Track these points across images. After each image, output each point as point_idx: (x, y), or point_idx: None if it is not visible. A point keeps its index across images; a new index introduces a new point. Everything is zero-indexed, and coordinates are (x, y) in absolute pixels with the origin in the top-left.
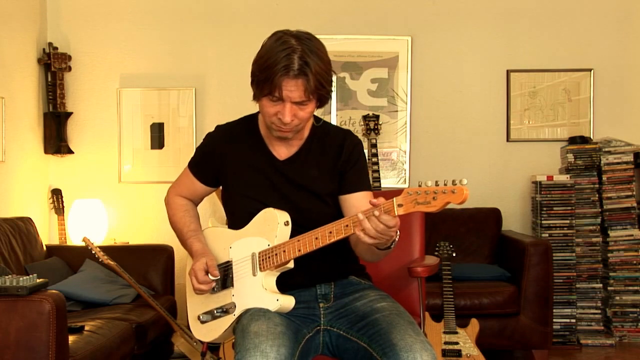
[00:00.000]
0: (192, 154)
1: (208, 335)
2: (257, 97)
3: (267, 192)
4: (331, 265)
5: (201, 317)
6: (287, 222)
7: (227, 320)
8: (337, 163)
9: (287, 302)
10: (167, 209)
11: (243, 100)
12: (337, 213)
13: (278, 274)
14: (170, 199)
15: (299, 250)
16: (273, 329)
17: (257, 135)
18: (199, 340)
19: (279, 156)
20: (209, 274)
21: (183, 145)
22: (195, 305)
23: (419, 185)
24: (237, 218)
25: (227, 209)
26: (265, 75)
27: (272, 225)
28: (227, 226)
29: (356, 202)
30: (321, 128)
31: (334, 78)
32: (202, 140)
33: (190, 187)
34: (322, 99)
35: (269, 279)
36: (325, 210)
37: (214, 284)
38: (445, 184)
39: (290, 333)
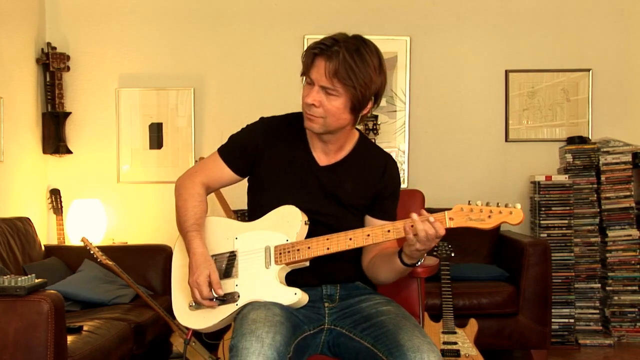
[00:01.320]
0: (190, 154)
1: (200, 322)
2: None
3: (297, 195)
4: (340, 268)
5: (193, 304)
6: (307, 222)
7: (227, 310)
8: (376, 184)
9: (304, 297)
10: (179, 190)
11: (242, 101)
12: (359, 225)
13: (289, 270)
14: (187, 183)
15: (328, 249)
16: (271, 318)
17: (302, 134)
18: (185, 327)
19: (319, 161)
20: (213, 291)
21: (182, 145)
22: (184, 291)
23: (469, 203)
24: (259, 212)
25: (251, 202)
26: (304, 56)
27: (292, 222)
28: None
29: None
30: (365, 145)
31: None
32: (240, 130)
33: (217, 173)
34: (355, 102)
35: (282, 273)
36: (349, 222)
37: (216, 304)
38: (497, 206)
39: (288, 325)
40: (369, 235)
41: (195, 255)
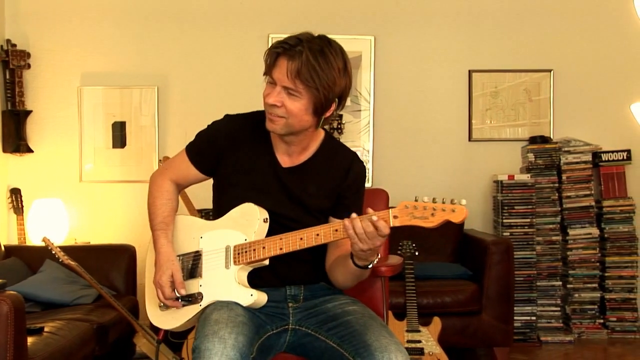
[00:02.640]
0: (153, 153)
1: (168, 323)
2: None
3: (259, 196)
4: (303, 269)
5: (162, 304)
6: (266, 219)
7: (192, 310)
8: (340, 185)
9: (261, 298)
10: (151, 187)
11: (206, 100)
12: None
13: (250, 269)
14: (158, 180)
15: (281, 249)
16: (234, 318)
17: (266, 135)
18: (156, 330)
19: (282, 163)
20: (175, 290)
21: (145, 145)
22: (155, 292)
23: (415, 200)
24: (221, 210)
25: (215, 201)
26: (267, 55)
27: (250, 220)
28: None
29: None
30: (329, 145)
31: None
32: (206, 127)
33: (184, 172)
34: (317, 104)
35: (242, 273)
36: (313, 223)
37: (180, 304)
38: (443, 202)
39: (251, 325)
40: (318, 234)
41: (159, 254)
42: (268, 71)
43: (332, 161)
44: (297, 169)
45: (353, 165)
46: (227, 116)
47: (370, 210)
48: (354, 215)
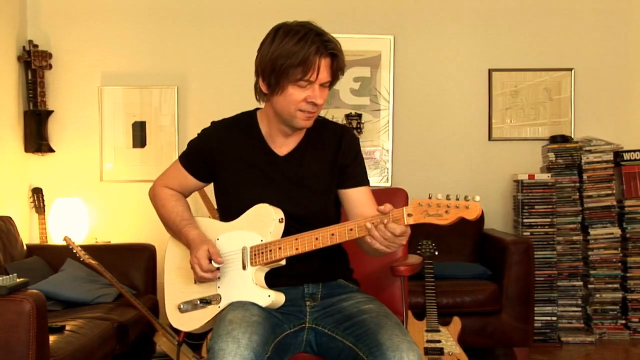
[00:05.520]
0: (173, 153)
1: (187, 324)
2: (277, 89)
3: (264, 188)
4: (321, 266)
5: (182, 307)
6: (282, 219)
7: (210, 312)
8: (336, 157)
9: (279, 298)
10: (154, 201)
11: (225, 99)
12: (337, 209)
13: (267, 270)
14: (158, 190)
15: (297, 249)
16: (248, 318)
17: (256, 131)
18: (176, 330)
19: (279, 152)
20: (213, 262)
21: (165, 144)
22: (175, 294)
23: (429, 197)
24: (231, 214)
25: (221, 205)
26: (296, 60)
27: (266, 221)
28: None
29: (357, 196)
30: (318, 122)
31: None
32: (196, 136)
33: (181, 181)
34: (331, 86)
35: (259, 274)
36: (326, 205)
37: (218, 273)
38: (457, 199)
39: (267, 324)
40: (333, 234)
41: (194, 240)
42: (311, 76)
43: (323, 135)
44: (294, 154)
45: (344, 133)
46: (213, 122)
47: (387, 206)
48: (368, 224)
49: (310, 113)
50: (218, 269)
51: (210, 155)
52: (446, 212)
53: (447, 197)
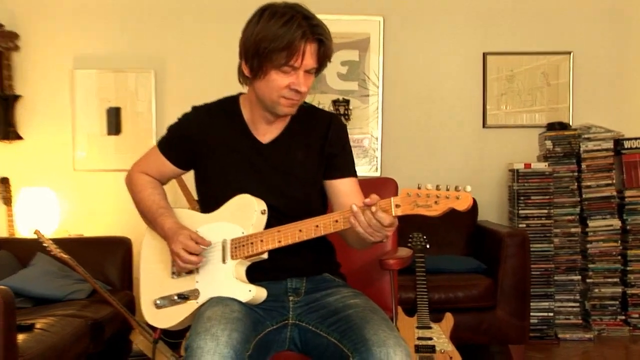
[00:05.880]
0: (150, 141)
1: (164, 321)
2: (259, 73)
3: (248, 177)
4: (305, 260)
5: (158, 302)
6: (264, 210)
7: (188, 307)
8: (323, 146)
9: (260, 293)
10: (130, 187)
11: (206, 83)
12: (324, 199)
13: (249, 263)
14: (135, 176)
15: (279, 242)
16: (228, 315)
17: (239, 117)
18: (152, 327)
19: (262, 139)
20: (200, 245)
21: (141, 131)
22: (151, 289)
23: (418, 187)
24: (212, 204)
25: (201, 194)
26: (280, 44)
27: (247, 213)
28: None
29: (344, 188)
30: (305, 109)
31: None
32: (176, 120)
33: (159, 168)
34: (317, 73)
35: (240, 268)
36: (312, 195)
37: (202, 259)
38: (447, 189)
39: (248, 321)
40: (317, 226)
41: (170, 229)
42: (295, 61)
43: (310, 123)
44: (278, 141)
45: (333, 120)
46: (194, 107)
47: (373, 197)
48: (354, 208)
49: (294, 100)
50: (200, 257)
51: (191, 141)
52: (436, 202)
53: (437, 188)
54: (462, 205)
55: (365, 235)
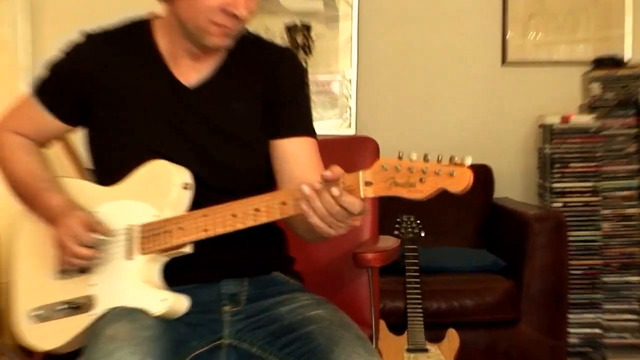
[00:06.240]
0: (20, 83)
1: (47, 340)
2: None
3: (164, 136)
4: (246, 253)
5: (36, 313)
6: (187, 184)
7: (79, 322)
8: (269, 92)
9: (179, 303)
10: None
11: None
12: (269, 166)
13: (166, 260)
14: (2, 137)
15: (205, 230)
16: (137, 333)
17: (152, 49)
18: (27, 350)
19: (186, 81)
20: (96, 233)
21: (5, 69)
22: (27, 295)
23: (399, 157)
24: (112, 173)
25: (97, 161)
26: None
27: (163, 187)
28: None
29: (294, 150)
30: (247, 40)
31: None
32: (61, 55)
33: (37, 124)
34: None
35: (152, 266)
36: (253, 162)
37: (99, 255)
38: (439, 160)
39: (165, 342)
40: (258, 209)
41: (58, 206)
42: None
43: (253, 59)
44: (208, 84)
45: (285, 56)
46: (88, 35)
47: (334, 170)
48: (305, 189)
49: (228, 28)
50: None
51: (83, 83)
52: (421, 180)
53: (426, 158)
54: (457, 185)
55: (322, 227)
